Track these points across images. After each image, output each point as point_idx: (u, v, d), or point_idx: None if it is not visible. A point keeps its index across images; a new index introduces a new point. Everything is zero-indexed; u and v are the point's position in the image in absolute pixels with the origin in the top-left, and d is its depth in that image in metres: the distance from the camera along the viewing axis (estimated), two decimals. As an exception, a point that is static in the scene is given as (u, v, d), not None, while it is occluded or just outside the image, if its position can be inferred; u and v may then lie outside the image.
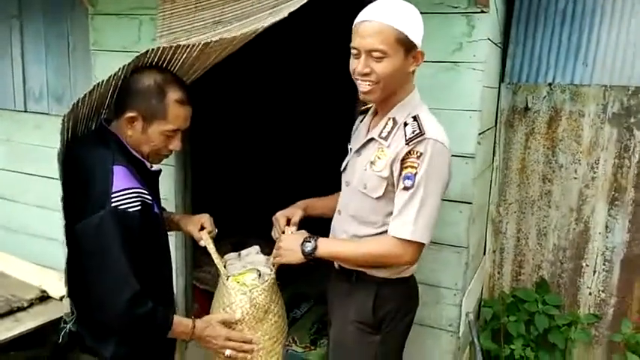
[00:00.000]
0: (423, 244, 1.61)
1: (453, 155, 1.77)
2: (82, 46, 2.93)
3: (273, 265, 1.86)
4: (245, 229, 4.03)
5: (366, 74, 1.57)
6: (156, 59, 1.67)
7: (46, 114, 3.14)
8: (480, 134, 2.17)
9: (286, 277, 3.23)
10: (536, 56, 2.59)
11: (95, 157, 1.58)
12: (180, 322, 1.64)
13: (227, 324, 1.73)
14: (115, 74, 1.59)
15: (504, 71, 2.65)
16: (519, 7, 2.57)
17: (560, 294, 2.67)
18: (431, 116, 1.67)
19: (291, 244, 1.75)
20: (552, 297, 2.63)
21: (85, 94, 1.58)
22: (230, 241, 3.85)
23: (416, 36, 1.58)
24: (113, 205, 1.48)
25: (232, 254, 1.93)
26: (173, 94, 1.63)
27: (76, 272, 1.56)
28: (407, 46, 1.56)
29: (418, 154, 1.56)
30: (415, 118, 1.62)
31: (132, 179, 1.56)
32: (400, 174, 1.59)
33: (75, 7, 2.91)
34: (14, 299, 2.53)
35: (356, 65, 1.59)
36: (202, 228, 1.88)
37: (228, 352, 1.69)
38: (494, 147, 2.69)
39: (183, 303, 2.90)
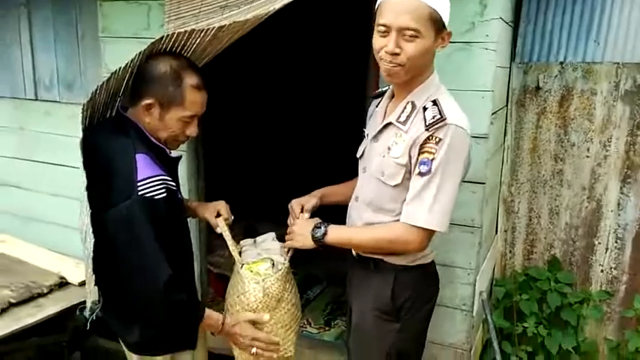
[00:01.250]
0: (433, 232, 1.58)
1: None
2: (91, 33, 2.92)
3: (287, 251, 1.86)
4: (257, 212, 4.06)
5: (395, 54, 1.49)
6: (170, 45, 1.68)
7: (57, 102, 3.15)
8: (492, 114, 2.17)
9: (299, 258, 3.27)
10: (547, 35, 2.57)
11: (116, 146, 1.59)
12: (210, 316, 1.66)
13: (255, 324, 1.73)
14: (131, 61, 1.60)
15: (515, 50, 2.63)
16: (530, -15, 2.54)
17: (572, 272, 2.68)
18: (451, 100, 1.62)
19: (302, 229, 1.77)
20: (564, 275, 2.65)
21: (103, 82, 1.60)
22: (242, 224, 3.89)
23: (447, 15, 1.53)
24: (140, 193, 1.50)
25: (248, 240, 1.94)
26: (189, 80, 1.63)
27: (102, 260, 1.57)
28: (438, 25, 1.50)
29: (437, 139, 1.51)
30: (435, 102, 1.57)
31: (155, 166, 1.57)
32: (417, 160, 1.55)
33: (83, -5, 2.90)
34: (34, 285, 2.57)
35: (385, 43, 1.50)
36: (218, 215, 1.90)
37: (254, 350, 1.71)
38: (505, 127, 2.68)
39: (199, 287, 2.93)
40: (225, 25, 1.70)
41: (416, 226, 1.55)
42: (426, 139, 1.54)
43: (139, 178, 1.51)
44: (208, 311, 1.66)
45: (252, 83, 4.97)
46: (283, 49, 4.76)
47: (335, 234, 1.71)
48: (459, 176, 1.57)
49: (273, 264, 1.83)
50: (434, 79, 1.65)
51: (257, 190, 4.66)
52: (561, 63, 2.56)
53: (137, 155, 1.56)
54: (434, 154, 1.51)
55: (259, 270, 1.81)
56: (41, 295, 2.54)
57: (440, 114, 1.53)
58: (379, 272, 1.74)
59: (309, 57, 4.68)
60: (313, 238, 1.72)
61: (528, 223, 2.75)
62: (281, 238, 1.94)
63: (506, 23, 2.34)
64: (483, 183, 2.18)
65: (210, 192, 3.02)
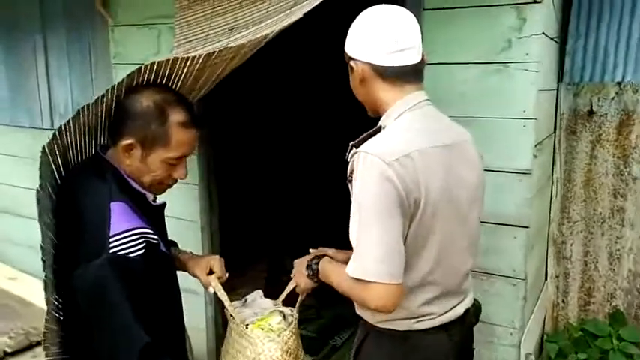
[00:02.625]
0: (389, 285, 1.23)
1: (502, 171, 1.71)
2: (104, 60, 2.81)
3: (288, 305, 1.67)
4: (280, 248, 3.81)
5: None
6: (152, 76, 1.46)
7: (72, 132, 3.03)
8: (536, 146, 1.85)
9: (326, 298, 3.01)
10: (600, 51, 2.23)
11: (90, 193, 1.39)
12: None
13: None
14: (103, 96, 1.39)
15: (563, 70, 2.30)
16: (580, -5, 2.22)
17: (638, 328, 2.28)
18: (396, 131, 1.33)
19: (299, 268, 1.62)
20: (630, 331, 2.26)
21: (67, 122, 1.39)
22: (260, 267, 3.65)
23: (347, 45, 1.40)
24: (112, 250, 1.28)
25: (236, 302, 1.73)
26: (175, 116, 1.41)
27: (72, 325, 1.39)
28: (346, 59, 1.41)
29: (352, 168, 1.31)
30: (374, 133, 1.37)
31: (133, 217, 1.36)
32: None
33: (95, 20, 2.79)
34: (35, 332, 2.41)
35: None
36: (211, 272, 1.66)
37: None
38: (553, 157, 2.34)
39: (213, 331, 2.70)
40: (215, 52, 1.48)
41: (353, 278, 1.27)
42: (349, 173, 1.33)
43: (111, 233, 1.31)
44: None
45: (268, 113, 4.76)
46: (303, 79, 4.56)
47: (323, 271, 1.52)
48: (379, 211, 1.23)
49: (284, 316, 1.65)
50: (390, 112, 1.37)
51: (279, 224, 4.40)
52: (619, 83, 2.22)
53: (112, 204, 1.35)
54: (354, 188, 1.29)
55: (271, 325, 1.62)
56: (40, 343, 2.36)
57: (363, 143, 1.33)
58: (359, 328, 1.50)
59: (325, 89, 4.45)
60: (308, 276, 1.57)
61: (584, 268, 2.38)
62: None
63: (551, 39, 2.03)
64: (527, 227, 1.86)
65: (226, 229, 2.81)
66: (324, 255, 1.59)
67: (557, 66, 2.27)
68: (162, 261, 1.47)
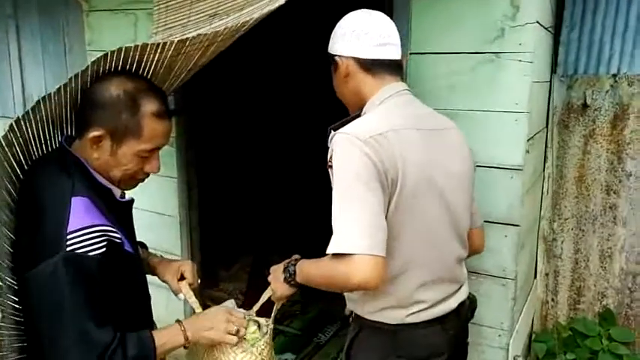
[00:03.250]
0: (371, 256, 1.21)
1: (493, 167, 1.67)
2: (79, 46, 2.68)
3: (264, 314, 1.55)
4: (263, 245, 3.72)
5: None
6: (120, 63, 1.35)
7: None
8: (528, 140, 1.77)
9: (310, 294, 2.92)
10: (596, 42, 2.15)
11: (51, 188, 1.29)
12: (162, 334, 1.35)
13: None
14: (66, 85, 1.28)
15: (557, 61, 2.22)
16: (575, -17, 2.13)
17: (629, 328, 2.22)
18: (374, 115, 1.39)
19: (275, 274, 1.51)
20: (620, 331, 2.20)
21: (26, 112, 1.28)
22: (246, 261, 3.55)
23: (331, 45, 1.47)
24: (70, 248, 1.19)
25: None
26: (148, 106, 1.31)
27: (27, 331, 1.29)
28: (331, 58, 1.47)
29: (331, 152, 1.31)
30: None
31: (94, 213, 1.26)
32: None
33: (69, 6, 2.66)
34: None
35: None
36: (182, 278, 1.57)
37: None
38: (545, 152, 2.26)
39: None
40: (188, 39, 1.37)
41: (338, 254, 1.23)
42: (329, 157, 1.34)
43: (69, 229, 1.21)
44: (157, 332, 1.35)
45: (258, 106, 4.64)
46: (285, 75, 4.44)
47: (301, 271, 1.43)
48: (360, 183, 1.24)
49: (259, 326, 1.54)
50: (372, 100, 1.43)
51: (262, 219, 4.29)
52: (614, 76, 2.14)
53: (74, 200, 1.25)
54: (333, 169, 1.29)
55: (245, 335, 1.51)
56: None
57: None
58: (352, 324, 1.48)
59: (312, 86, 4.34)
60: (285, 280, 1.46)
61: (574, 266, 2.31)
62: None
63: (545, 29, 1.94)
64: (517, 225, 1.78)
65: (206, 225, 2.70)
66: (300, 258, 1.50)
67: (551, 57, 2.18)
68: (127, 261, 1.37)
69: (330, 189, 1.26)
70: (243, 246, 3.64)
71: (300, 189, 4.47)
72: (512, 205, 1.77)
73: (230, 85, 4.17)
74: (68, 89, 1.29)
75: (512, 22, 1.68)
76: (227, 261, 3.40)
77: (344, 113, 1.50)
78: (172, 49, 1.35)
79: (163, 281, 1.60)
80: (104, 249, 1.23)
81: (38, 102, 1.28)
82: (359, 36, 1.39)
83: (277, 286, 1.50)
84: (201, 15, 1.91)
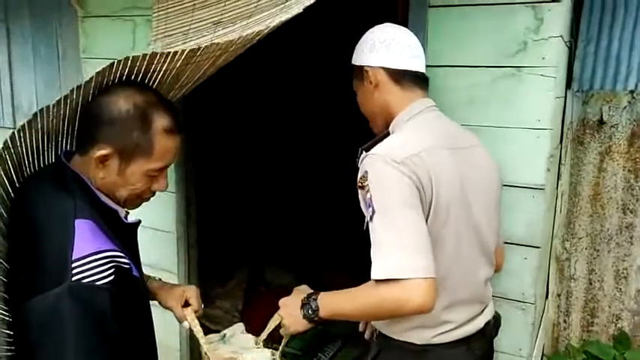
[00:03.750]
0: (425, 279, 1.17)
1: (513, 186, 1.63)
2: (73, 52, 2.58)
3: (269, 345, 1.48)
4: (258, 258, 3.60)
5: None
6: (126, 73, 1.25)
7: (37, 131, 2.78)
8: (550, 157, 1.69)
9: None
10: (613, 57, 2.09)
11: (50, 209, 1.17)
12: None
13: None
14: (66, 97, 1.17)
15: (571, 76, 2.15)
16: (591, -3, 2.07)
17: (645, 352, 2.15)
18: (405, 134, 1.35)
19: (290, 309, 1.42)
20: (636, 354, 2.13)
21: (22, 126, 1.17)
22: (241, 276, 3.44)
23: (358, 56, 1.46)
24: (76, 278, 1.07)
25: (213, 336, 1.51)
26: (160, 122, 1.21)
27: None
28: (357, 71, 1.47)
29: (363, 173, 1.27)
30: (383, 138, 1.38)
31: (101, 238, 1.15)
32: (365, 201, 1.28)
33: (63, 9, 2.56)
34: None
35: None
36: (187, 304, 1.46)
37: None
38: (559, 169, 2.19)
39: (188, 352, 2.49)
40: (201, 48, 1.27)
41: (381, 280, 1.19)
42: (360, 178, 1.29)
43: (75, 256, 1.09)
44: None
45: (254, 120, 4.53)
46: (287, 84, 4.35)
47: (328, 306, 1.35)
48: (402, 205, 1.21)
49: (272, 353, 1.47)
50: (399, 119, 1.41)
51: (265, 231, 4.17)
52: (632, 92, 2.08)
53: (77, 222, 1.13)
54: (369, 191, 1.24)
55: None
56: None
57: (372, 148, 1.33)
58: (372, 345, 1.46)
59: (316, 94, 4.26)
60: (305, 317, 1.38)
61: (588, 287, 2.24)
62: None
63: (564, 43, 1.87)
64: (538, 247, 1.70)
65: (204, 240, 2.60)
66: (317, 292, 1.41)
67: (566, 72, 2.12)
68: (134, 289, 1.27)
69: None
70: (238, 260, 3.53)
71: (295, 201, 4.37)
72: (532, 226, 1.69)
73: (226, 98, 4.07)
74: (69, 101, 1.18)
75: (536, 35, 1.61)
76: (222, 277, 3.29)
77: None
78: (183, 58, 1.26)
79: (166, 307, 1.49)
80: (113, 276, 1.11)
81: (35, 115, 1.17)
82: (389, 45, 1.40)
83: (291, 321, 1.41)
84: (204, 22, 1.82)
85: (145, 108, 1.19)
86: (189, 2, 1.87)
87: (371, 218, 1.22)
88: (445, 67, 1.73)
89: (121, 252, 1.17)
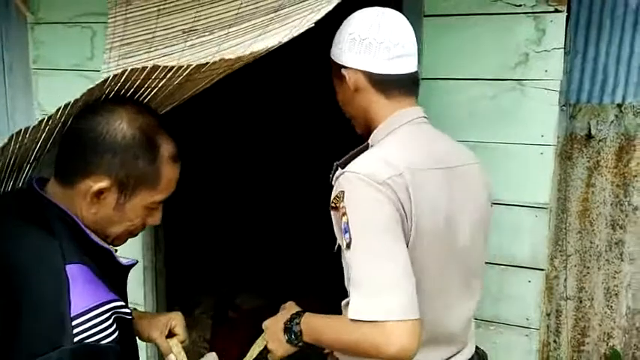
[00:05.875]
0: (406, 321, 1.02)
1: (516, 205, 1.54)
2: (20, 64, 2.34)
3: None
4: (226, 284, 3.40)
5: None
6: (116, 88, 1.06)
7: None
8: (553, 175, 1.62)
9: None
10: (600, 70, 2.04)
11: (29, 248, 0.97)
12: None
13: None
14: (49, 118, 0.98)
15: (558, 89, 2.10)
16: (578, 8, 2.02)
17: (638, 370, 2.11)
18: (386, 149, 1.18)
19: (273, 333, 1.30)
20: (628, 374, 2.07)
21: None
22: (207, 304, 3.22)
23: (336, 52, 1.26)
24: (78, 338, 0.88)
25: None
26: (166, 148, 1.06)
27: None
28: (335, 68, 1.27)
29: (337, 192, 1.12)
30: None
31: (98, 285, 0.96)
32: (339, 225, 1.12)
33: (10, 15, 2.31)
34: None
35: None
36: (170, 334, 1.28)
37: None
38: (546, 184, 2.13)
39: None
40: (208, 63, 1.10)
41: (360, 321, 1.05)
42: (334, 198, 1.13)
43: (74, 312, 0.89)
44: None
45: (222, 143, 4.35)
46: (268, 97, 4.21)
47: (309, 331, 1.22)
48: (377, 232, 1.07)
49: None
50: (382, 127, 1.23)
51: (235, 258, 3.97)
52: (619, 105, 2.04)
53: (68, 268, 0.94)
54: (346, 214, 1.08)
55: None
56: None
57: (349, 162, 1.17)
58: None
59: (300, 108, 4.13)
60: (288, 342, 1.26)
61: (578, 305, 2.17)
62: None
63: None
64: (542, 269, 1.61)
65: (172, 265, 2.40)
66: (301, 311, 1.28)
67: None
68: (131, 338, 1.09)
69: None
70: (204, 287, 3.32)
71: (262, 226, 4.19)
72: (536, 248, 1.62)
73: (194, 122, 3.87)
74: (50, 122, 0.99)
75: (537, 46, 1.55)
76: (187, 305, 3.07)
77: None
78: (186, 73, 1.08)
79: (148, 339, 1.29)
80: (117, 332, 0.93)
81: (10, 139, 0.98)
82: (370, 46, 1.19)
83: (276, 346, 1.28)
84: (172, 30, 1.66)
85: (151, 133, 1.03)
86: (152, 7, 1.70)
87: (347, 246, 1.08)
88: (442, 80, 1.64)
89: (121, 301, 0.98)
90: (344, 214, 1.08)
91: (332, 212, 1.14)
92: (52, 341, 0.87)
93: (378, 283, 1.03)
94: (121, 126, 1.00)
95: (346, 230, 1.07)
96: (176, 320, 1.29)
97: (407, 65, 1.22)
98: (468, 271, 1.22)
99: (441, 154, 1.20)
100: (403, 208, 1.08)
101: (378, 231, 1.06)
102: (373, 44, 1.18)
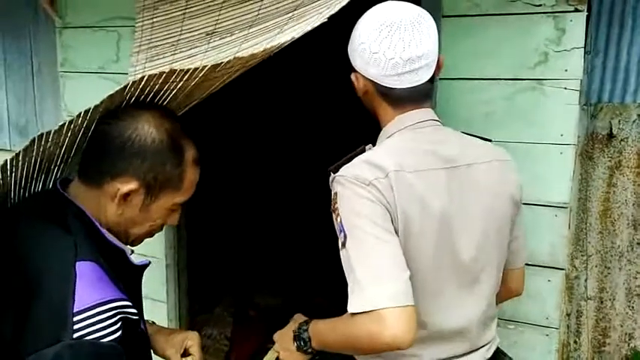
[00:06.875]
0: (398, 308, 1.05)
1: (535, 205, 1.55)
2: (49, 67, 2.41)
3: None
4: (245, 283, 3.44)
5: None
6: (136, 93, 1.10)
7: (7, 150, 2.59)
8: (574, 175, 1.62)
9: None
10: (622, 69, 2.03)
11: (45, 247, 1.00)
12: None
13: None
14: (71, 122, 1.02)
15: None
16: (599, 6, 2.01)
17: (660, 372, 2.09)
18: (379, 152, 1.21)
19: (284, 342, 1.34)
20: (650, 376, 2.05)
21: (15, 156, 1.02)
22: (228, 302, 3.27)
23: (352, 56, 1.27)
24: (77, 335, 0.90)
25: None
26: (190, 152, 1.12)
27: None
28: (351, 66, 1.28)
29: (334, 196, 1.18)
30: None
31: (106, 284, 0.99)
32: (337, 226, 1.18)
33: (39, 20, 2.38)
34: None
35: None
36: (185, 353, 1.30)
37: None
38: (567, 184, 2.12)
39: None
40: (223, 62, 1.13)
41: (357, 313, 1.09)
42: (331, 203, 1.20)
43: (77, 308, 0.92)
44: None
45: (241, 143, 4.39)
46: (289, 97, 4.24)
47: (317, 336, 1.26)
48: (367, 226, 1.11)
49: None
50: (382, 133, 1.29)
51: (255, 257, 4.01)
52: (642, 104, 2.02)
53: (79, 265, 0.97)
54: (340, 215, 1.14)
55: None
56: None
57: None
58: None
59: (313, 113, 4.15)
60: (299, 350, 1.29)
61: (599, 306, 2.16)
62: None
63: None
64: (562, 269, 1.61)
65: (195, 264, 2.44)
66: (310, 319, 1.31)
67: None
68: (140, 343, 1.11)
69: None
70: (225, 285, 3.36)
71: (281, 226, 4.23)
72: (555, 247, 1.62)
73: (211, 120, 3.92)
74: (73, 126, 1.03)
75: (557, 46, 1.55)
76: (208, 302, 3.11)
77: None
78: (202, 74, 1.11)
79: (163, 356, 1.31)
80: (120, 331, 0.95)
81: (32, 141, 1.01)
82: (380, 61, 1.18)
83: (287, 356, 1.32)
84: (196, 33, 1.71)
85: (177, 137, 1.08)
86: (178, 11, 1.75)
87: (343, 244, 1.12)
88: (461, 80, 1.65)
89: (129, 301, 1.01)
90: (338, 214, 1.14)
91: (333, 215, 1.18)
92: (53, 336, 0.90)
93: (371, 276, 1.06)
94: (149, 130, 1.04)
95: (341, 229, 1.12)
96: (192, 340, 1.31)
97: (418, 77, 1.20)
98: (471, 270, 1.22)
99: (447, 154, 1.20)
100: (390, 208, 1.12)
101: (369, 224, 1.10)
102: (382, 59, 1.18)
